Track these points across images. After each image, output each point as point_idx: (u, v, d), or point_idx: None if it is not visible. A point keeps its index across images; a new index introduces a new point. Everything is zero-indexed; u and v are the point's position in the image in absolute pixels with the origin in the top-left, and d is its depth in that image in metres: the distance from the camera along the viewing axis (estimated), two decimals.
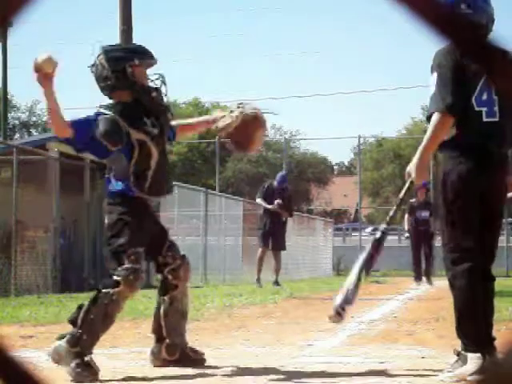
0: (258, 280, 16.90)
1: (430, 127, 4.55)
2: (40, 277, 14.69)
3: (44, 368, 4.87)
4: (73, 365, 4.73)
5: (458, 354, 4.59)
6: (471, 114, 4.55)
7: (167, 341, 5.18)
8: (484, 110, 4.57)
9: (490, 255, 4.76)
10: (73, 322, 4.88)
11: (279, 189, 17.00)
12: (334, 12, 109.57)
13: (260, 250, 17.23)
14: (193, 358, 5.26)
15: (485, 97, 4.57)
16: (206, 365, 5.21)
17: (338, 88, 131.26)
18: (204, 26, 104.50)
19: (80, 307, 4.93)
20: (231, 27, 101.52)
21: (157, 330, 5.23)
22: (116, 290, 4.83)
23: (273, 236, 16.90)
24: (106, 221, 5.09)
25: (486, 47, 1.00)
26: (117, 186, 5.15)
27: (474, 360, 4.49)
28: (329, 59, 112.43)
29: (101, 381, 4.66)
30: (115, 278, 4.85)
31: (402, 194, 4.92)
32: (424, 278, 18.84)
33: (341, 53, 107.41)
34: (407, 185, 4.81)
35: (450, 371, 4.59)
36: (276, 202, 16.77)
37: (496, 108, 4.58)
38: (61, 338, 4.88)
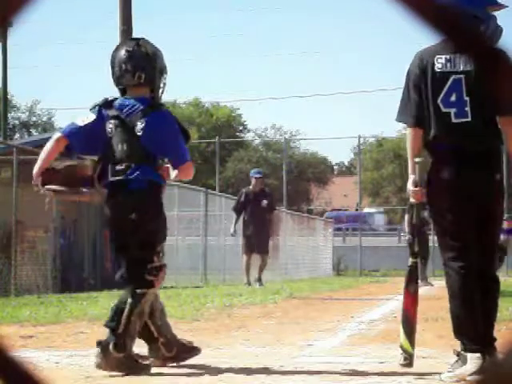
0: (249, 283, 16.74)
1: (407, 142, 4.74)
2: (40, 277, 14.69)
3: (44, 368, 4.88)
4: (125, 368, 4.77)
5: (458, 355, 4.58)
6: (438, 115, 4.59)
7: (161, 339, 5.13)
8: (453, 110, 4.58)
9: (487, 255, 4.68)
10: (113, 328, 4.86)
11: (257, 193, 16.76)
12: (334, 12, 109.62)
13: (244, 256, 16.98)
14: (188, 347, 5.25)
15: (453, 98, 4.57)
16: (205, 365, 5.21)
17: (337, 88, 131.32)
18: (204, 26, 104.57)
19: (116, 311, 4.88)
20: (231, 27, 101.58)
21: (143, 333, 5.10)
22: (151, 289, 4.89)
23: (257, 240, 16.54)
24: (143, 213, 4.96)
25: (488, 48, 1.00)
26: (155, 176, 5.06)
27: (473, 360, 4.48)
28: (329, 59, 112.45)
29: (101, 381, 4.66)
30: (149, 277, 4.88)
31: (414, 221, 4.93)
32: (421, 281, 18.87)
33: (341, 53, 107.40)
34: (410, 210, 4.95)
35: (450, 371, 4.59)
36: (264, 202, 16.62)
37: (468, 108, 4.55)
38: (102, 343, 4.85)
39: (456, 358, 4.59)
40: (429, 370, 4.88)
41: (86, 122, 5.05)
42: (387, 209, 57.28)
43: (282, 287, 16.16)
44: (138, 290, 4.88)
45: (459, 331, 4.58)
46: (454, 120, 4.56)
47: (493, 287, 4.65)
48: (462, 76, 4.56)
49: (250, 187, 17.01)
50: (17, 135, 61.56)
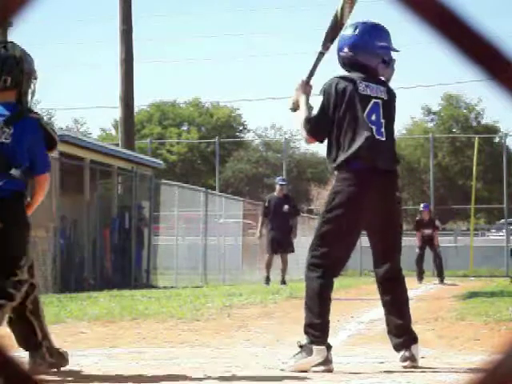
0: (268, 279, 17.31)
1: (301, 123, 5.25)
2: (40, 277, 14.66)
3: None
4: None
5: (301, 346, 4.93)
6: (361, 127, 5.05)
7: (46, 344, 4.93)
8: (374, 127, 5.10)
9: (389, 257, 5.22)
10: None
11: (280, 198, 17.72)
12: (334, 11, 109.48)
13: (268, 255, 17.79)
14: (62, 353, 4.99)
15: (374, 117, 5.10)
16: (205, 365, 5.20)
17: None
18: (204, 26, 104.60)
19: None
20: (231, 27, 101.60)
21: (25, 339, 4.94)
22: (10, 303, 4.71)
23: (279, 241, 17.40)
24: (7, 224, 4.72)
25: (490, 50, 1.00)
26: (18, 185, 4.79)
27: (319, 352, 4.85)
28: (329, 59, 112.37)
29: (101, 381, 4.66)
30: (11, 290, 4.66)
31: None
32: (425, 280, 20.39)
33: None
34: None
35: (293, 360, 4.92)
36: (285, 207, 17.54)
37: (383, 130, 5.12)
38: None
39: (299, 349, 4.94)
40: (429, 370, 4.88)
41: None
42: None
43: (282, 287, 16.17)
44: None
45: (309, 325, 4.97)
46: (376, 136, 5.08)
47: (399, 275, 5.29)
48: (379, 101, 5.14)
49: (275, 193, 18.05)
50: None
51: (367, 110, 5.09)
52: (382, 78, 5.27)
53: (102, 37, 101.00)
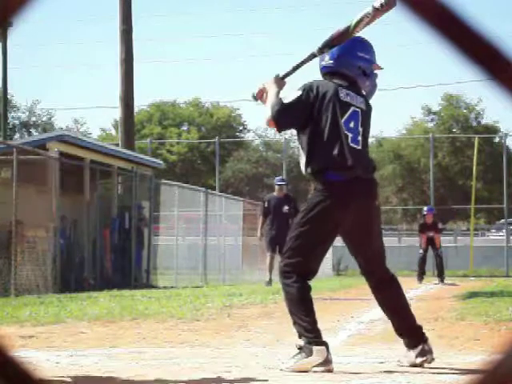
0: (270, 281, 17.32)
1: (271, 105, 5.08)
2: (40, 277, 14.69)
3: (44, 368, 4.87)
4: None
5: (300, 348, 4.93)
6: (338, 134, 5.01)
7: None
8: (350, 135, 5.05)
9: (375, 266, 5.19)
10: None
11: (280, 198, 17.62)
12: (334, 12, 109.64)
13: (268, 255, 17.76)
14: None
15: (352, 125, 5.07)
16: (205, 365, 5.21)
17: None
18: (204, 26, 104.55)
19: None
20: (231, 27, 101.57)
21: None
22: None
23: (280, 240, 17.38)
24: None
25: (490, 50, 1.00)
26: None
27: (319, 352, 4.85)
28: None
29: (101, 381, 4.66)
30: None
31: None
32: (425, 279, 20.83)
33: None
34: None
35: (293, 361, 4.91)
36: (285, 207, 17.46)
37: (360, 138, 5.09)
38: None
39: (298, 350, 4.94)
40: (429, 370, 4.88)
41: None
42: (387, 209, 57.31)
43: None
44: None
45: (300, 328, 4.99)
46: (350, 143, 5.03)
47: (391, 280, 5.18)
48: (358, 110, 5.13)
49: (274, 193, 17.89)
50: (17, 135, 61.57)
51: (346, 116, 5.06)
52: (362, 91, 5.25)
53: (102, 37, 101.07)
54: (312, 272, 5.16)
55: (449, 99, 57.06)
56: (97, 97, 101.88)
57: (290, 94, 5.15)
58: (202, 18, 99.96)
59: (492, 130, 54.71)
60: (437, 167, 46.59)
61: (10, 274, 13.56)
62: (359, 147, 5.07)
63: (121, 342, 6.56)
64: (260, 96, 5.26)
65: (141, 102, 58.59)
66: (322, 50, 5.22)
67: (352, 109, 5.09)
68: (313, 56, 5.23)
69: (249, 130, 64.97)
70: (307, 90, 5.10)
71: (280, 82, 5.22)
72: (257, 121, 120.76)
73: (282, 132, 5.40)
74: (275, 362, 5.24)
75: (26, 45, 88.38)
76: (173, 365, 5.21)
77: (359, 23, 5.10)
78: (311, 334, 4.91)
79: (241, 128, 64.67)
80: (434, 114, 58.59)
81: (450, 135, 54.98)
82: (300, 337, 4.97)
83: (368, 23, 5.11)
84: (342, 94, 5.08)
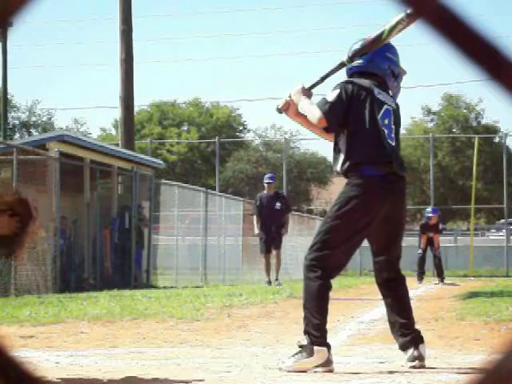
0: (269, 283, 17.42)
1: (311, 112, 5.04)
2: (40, 277, 14.69)
3: (44, 368, 4.87)
4: None
5: (301, 346, 4.91)
6: (376, 129, 5.04)
7: None
8: (386, 131, 5.08)
9: (395, 262, 5.24)
10: None
11: (271, 196, 17.66)
12: (334, 12, 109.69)
13: (264, 258, 17.87)
14: None
15: (386, 121, 5.12)
16: (205, 365, 5.21)
17: None
18: (204, 26, 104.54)
19: None
20: (231, 27, 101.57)
21: None
22: None
23: (271, 238, 17.45)
24: None
25: (490, 50, 1.00)
26: None
27: (319, 353, 4.84)
28: (329, 59, 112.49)
29: (101, 381, 4.66)
30: None
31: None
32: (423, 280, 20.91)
33: (341, 53, 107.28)
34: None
35: (294, 360, 4.90)
36: (277, 204, 17.50)
37: (393, 135, 5.15)
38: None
39: (299, 349, 4.93)
40: (429, 370, 4.88)
41: None
42: None
43: (282, 287, 16.18)
44: None
45: (309, 325, 4.94)
46: (387, 139, 5.06)
47: (402, 280, 5.29)
48: (390, 108, 5.16)
49: (265, 191, 17.87)
50: (17, 135, 61.55)
51: (381, 113, 5.08)
52: (389, 91, 5.25)
53: (102, 37, 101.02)
54: (338, 268, 5.13)
55: (449, 99, 57.03)
56: (97, 97, 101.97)
57: (327, 94, 5.14)
58: (202, 18, 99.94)
59: (492, 130, 54.68)
60: (437, 167, 46.60)
61: (9, 274, 13.56)
62: (393, 143, 5.10)
63: (121, 342, 6.56)
64: (286, 108, 5.23)
65: (141, 102, 58.68)
66: (351, 59, 5.18)
67: (385, 107, 5.11)
68: (342, 65, 5.21)
69: (249, 130, 64.98)
70: (344, 88, 5.09)
71: (307, 92, 5.18)
72: (257, 121, 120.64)
73: (330, 132, 5.21)
74: (275, 362, 5.24)
75: (26, 45, 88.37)
76: (173, 365, 5.22)
77: (392, 30, 5.05)
78: (317, 333, 4.89)
79: (241, 128, 64.63)
80: (434, 114, 58.56)
81: (450, 135, 54.97)
82: (305, 333, 4.94)
83: (401, 30, 5.05)
84: (376, 91, 5.11)
